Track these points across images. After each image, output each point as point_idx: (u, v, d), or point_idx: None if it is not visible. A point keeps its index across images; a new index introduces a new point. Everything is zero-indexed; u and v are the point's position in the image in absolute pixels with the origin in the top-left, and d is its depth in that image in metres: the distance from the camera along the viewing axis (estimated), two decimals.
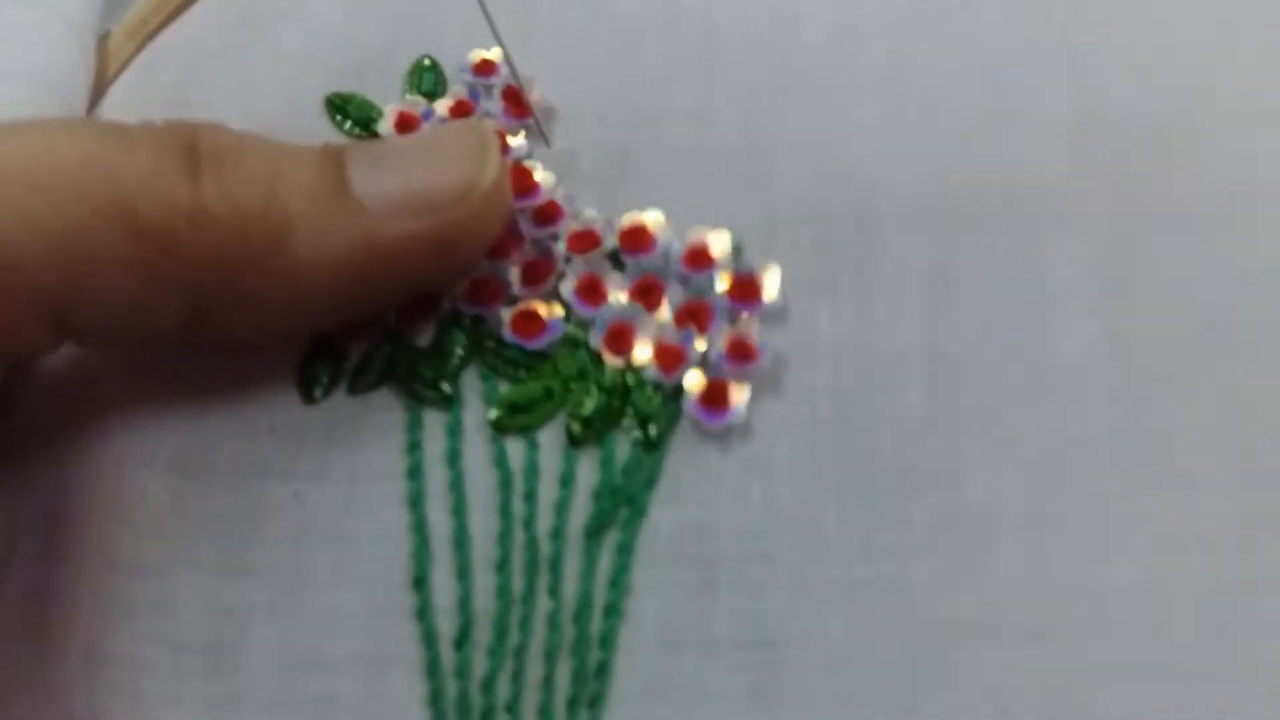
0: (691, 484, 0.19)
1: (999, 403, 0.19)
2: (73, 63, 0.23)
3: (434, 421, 0.20)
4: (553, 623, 0.18)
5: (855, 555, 0.18)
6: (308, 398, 0.20)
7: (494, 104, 0.23)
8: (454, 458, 0.19)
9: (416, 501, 0.19)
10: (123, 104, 0.24)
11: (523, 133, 0.22)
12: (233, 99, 0.23)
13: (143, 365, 0.20)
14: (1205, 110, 0.21)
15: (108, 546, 0.19)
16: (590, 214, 0.21)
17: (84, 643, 0.18)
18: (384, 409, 0.20)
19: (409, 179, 0.19)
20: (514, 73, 0.22)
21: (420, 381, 0.20)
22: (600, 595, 0.18)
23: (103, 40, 0.24)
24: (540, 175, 0.22)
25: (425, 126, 0.23)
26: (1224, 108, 0.21)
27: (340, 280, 0.19)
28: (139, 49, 0.24)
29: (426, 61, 0.23)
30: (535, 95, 0.22)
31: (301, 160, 0.19)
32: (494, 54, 0.23)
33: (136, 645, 0.18)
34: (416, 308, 0.21)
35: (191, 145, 0.18)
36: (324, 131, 0.23)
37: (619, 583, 0.18)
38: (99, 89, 0.24)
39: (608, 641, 0.18)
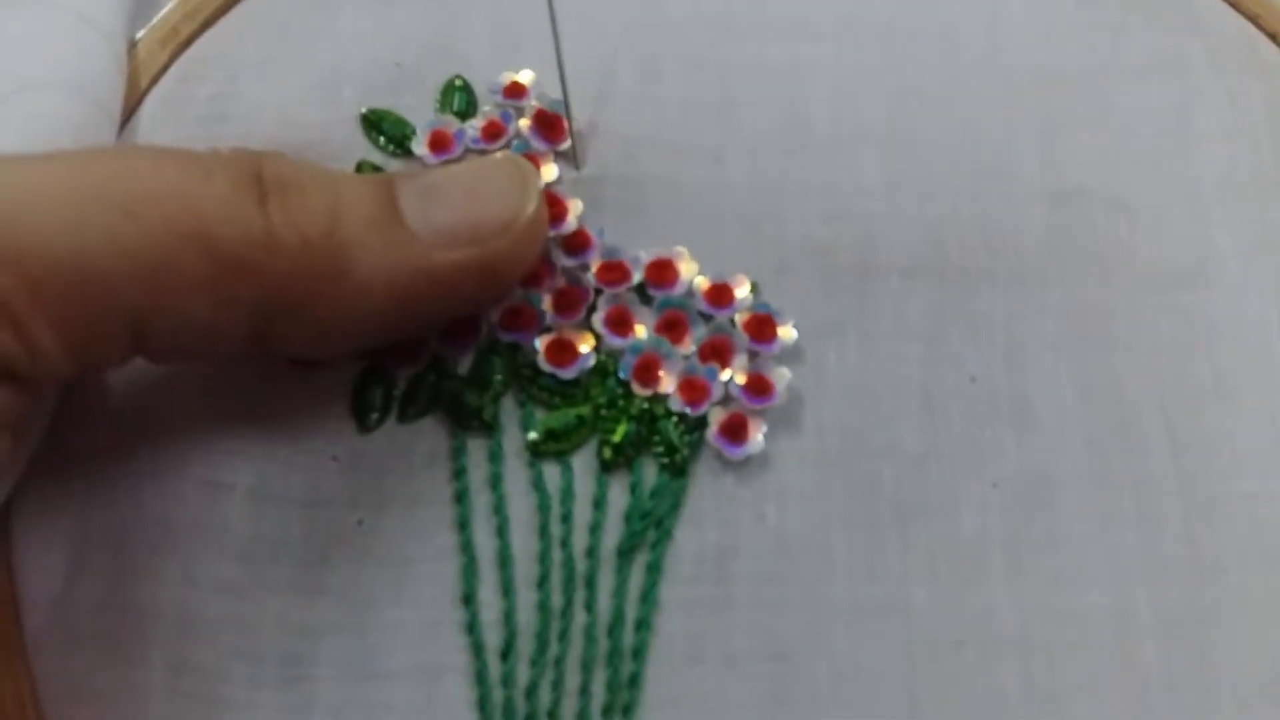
0: (713, 509, 0.21)
1: (985, 442, 0.22)
2: (108, 71, 0.23)
3: (477, 447, 0.22)
4: (589, 636, 0.20)
5: (860, 577, 0.21)
6: (362, 426, 0.22)
7: (525, 127, 0.24)
8: (496, 482, 0.21)
9: (464, 524, 0.21)
10: (160, 115, 0.24)
11: (553, 158, 0.24)
12: (270, 112, 0.24)
13: (210, 393, 0.21)
14: (1162, 188, 0.24)
15: (192, 567, 0.20)
16: (617, 246, 0.23)
17: (165, 653, 0.20)
18: (432, 436, 0.22)
19: (457, 211, 0.20)
20: (566, 103, 0.23)
21: (464, 410, 0.22)
22: (631, 611, 0.21)
23: (133, 47, 0.25)
24: (570, 202, 0.23)
25: (458, 147, 0.24)
26: (1178, 186, 0.24)
27: (394, 303, 0.20)
28: (172, 58, 0.25)
29: (458, 81, 0.24)
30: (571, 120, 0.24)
31: (358, 190, 0.20)
32: (523, 76, 0.24)
33: (218, 657, 0.20)
34: (458, 330, 0.22)
35: (257, 174, 0.19)
36: (360, 146, 0.24)
37: (649, 599, 0.21)
38: (132, 97, 0.24)
39: (639, 653, 0.20)
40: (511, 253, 0.21)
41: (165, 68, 0.25)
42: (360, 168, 0.24)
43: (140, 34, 0.25)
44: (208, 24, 0.25)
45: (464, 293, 0.21)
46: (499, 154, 0.24)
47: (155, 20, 0.25)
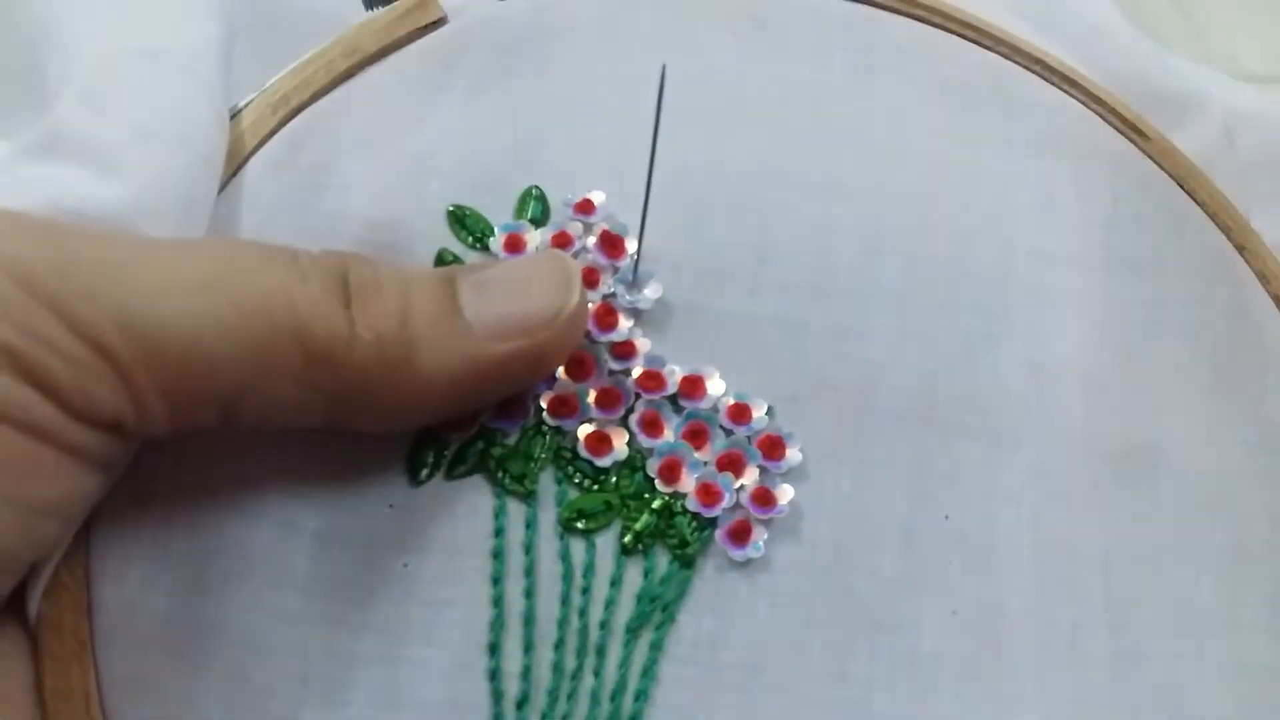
0: (713, 599, 0.24)
1: (950, 574, 0.25)
2: (210, 123, 0.26)
3: (516, 511, 0.24)
4: (594, 698, 0.23)
5: (830, 678, 0.24)
6: (414, 480, 0.24)
7: (591, 243, 0.27)
8: (529, 547, 0.24)
9: (497, 580, 0.24)
10: (264, 176, 0.27)
11: (612, 273, 0.27)
12: (363, 190, 0.27)
13: (288, 445, 0.24)
14: (1128, 372, 0.28)
15: (260, 594, 0.23)
16: (659, 357, 0.26)
17: (226, 666, 0.22)
18: (475, 495, 0.25)
19: (509, 304, 0.24)
20: (641, 232, 0.26)
21: (508, 475, 0.25)
22: (633, 681, 0.23)
23: (240, 110, 0.27)
24: (621, 316, 0.26)
25: (530, 249, 0.27)
26: (1143, 373, 0.28)
27: (453, 389, 0.23)
28: (281, 123, 0.27)
29: (535, 191, 0.27)
30: (632, 245, 0.27)
31: (425, 287, 0.23)
32: (595, 196, 0.27)
33: (272, 676, 0.22)
34: (509, 409, 0.25)
35: (344, 278, 0.23)
36: (443, 235, 0.27)
37: (649, 673, 0.24)
38: (239, 155, 0.27)
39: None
40: (556, 342, 0.24)
41: (274, 131, 0.27)
42: (441, 256, 0.26)
43: (253, 97, 0.28)
44: (316, 96, 0.28)
45: (513, 377, 0.24)
46: (547, 251, 0.27)
47: (268, 86, 0.28)
